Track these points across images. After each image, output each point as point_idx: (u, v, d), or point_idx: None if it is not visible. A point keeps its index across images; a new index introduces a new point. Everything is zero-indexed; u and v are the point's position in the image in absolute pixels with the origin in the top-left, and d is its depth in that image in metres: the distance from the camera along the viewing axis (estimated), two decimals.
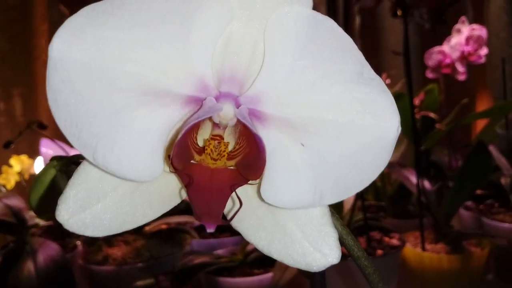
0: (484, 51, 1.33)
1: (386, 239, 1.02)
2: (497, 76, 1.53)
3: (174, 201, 0.29)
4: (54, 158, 0.35)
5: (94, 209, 0.26)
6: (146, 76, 0.25)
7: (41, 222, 1.04)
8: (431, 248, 1.03)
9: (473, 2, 1.77)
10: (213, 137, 0.27)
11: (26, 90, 1.40)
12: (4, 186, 1.21)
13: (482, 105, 1.74)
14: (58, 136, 1.05)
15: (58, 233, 1.09)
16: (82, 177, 0.27)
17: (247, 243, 0.94)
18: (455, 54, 1.33)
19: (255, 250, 0.94)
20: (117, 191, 0.27)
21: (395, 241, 1.00)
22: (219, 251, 0.99)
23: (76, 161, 0.34)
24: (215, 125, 0.27)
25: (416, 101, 1.35)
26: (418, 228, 1.03)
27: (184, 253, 0.95)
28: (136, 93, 0.25)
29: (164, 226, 1.12)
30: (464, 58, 1.33)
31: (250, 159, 0.26)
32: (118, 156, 0.25)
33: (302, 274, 0.81)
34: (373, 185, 1.36)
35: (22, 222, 0.94)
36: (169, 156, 0.26)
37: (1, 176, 1.22)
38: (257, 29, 0.26)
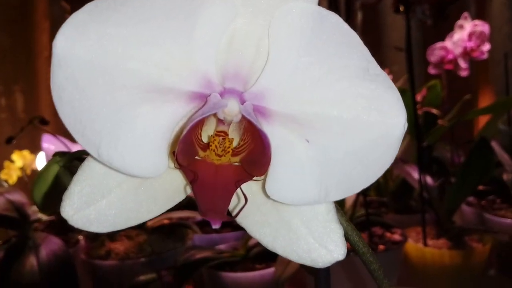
0: (486, 47, 1.32)
1: (388, 234, 1.02)
2: (500, 72, 1.53)
3: (179, 197, 0.29)
4: (56, 154, 0.35)
5: (98, 205, 0.26)
6: (149, 73, 0.25)
7: (44, 217, 1.04)
8: (433, 243, 1.03)
9: None
10: (218, 133, 0.27)
11: (28, 86, 1.40)
12: (6, 181, 1.21)
13: (485, 101, 1.74)
14: (59, 131, 1.05)
15: (61, 228, 1.09)
16: (86, 173, 0.27)
17: (249, 238, 0.95)
18: (458, 50, 1.32)
19: (257, 245, 0.94)
20: (121, 187, 0.27)
21: (397, 237, 1.00)
22: (221, 246, 0.99)
23: (79, 156, 0.34)
24: (220, 121, 0.27)
25: (418, 97, 1.35)
26: (420, 223, 1.03)
27: (186, 248, 0.95)
28: (139, 90, 0.25)
29: (166, 221, 1.12)
30: (466, 54, 1.32)
31: (255, 156, 0.26)
32: (122, 152, 0.25)
33: (305, 270, 0.81)
34: (375, 181, 1.35)
35: (25, 217, 0.95)
36: (173, 152, 0.26)
37: (3, 172, 1.22)
38: (261, 25, 0.26)
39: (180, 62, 0.25)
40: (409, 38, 1.00)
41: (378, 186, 1.37)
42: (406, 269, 1.03)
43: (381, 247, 0.95)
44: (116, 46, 0.24)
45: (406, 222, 1.12)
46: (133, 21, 0.24)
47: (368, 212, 1.00)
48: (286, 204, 0.28)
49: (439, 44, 1.36)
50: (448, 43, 1.35)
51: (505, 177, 1.24)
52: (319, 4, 0.25)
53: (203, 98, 0.26)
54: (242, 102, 0.26)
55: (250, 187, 0.28)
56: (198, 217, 1.14)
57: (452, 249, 1.00)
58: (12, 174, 1.20)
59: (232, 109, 0.26)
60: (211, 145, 0.27)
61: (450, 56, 1.33)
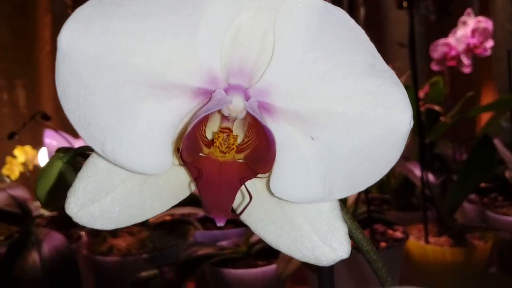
0: (489, 43, 1.32)
1: (390, 231, 1.02)
2: (503, 69, 1.52)
3: (183, 194, 0.29)
4: (59, 150, 0.34)
5: (103, 201, 0.26)
6: (153, 69, 0.24)
7: (46, 212, 1.04)
8: (435, 241, 1.03)
9: None
10: (222, 130, 0.27)
11: (29, 81, 1.40)
12: (8, 176, 1.21)
13: (487, 98, 1.73)
14: (61, 127, 1.05)
15: (63, 223, 1.09)
16: (91, 169, 0.26)
17: (251, 234, 0.94)
18: (461, 47, 1.32)
19: (259, 241, 0.94)
20: (126, 183, 0.27)
21: (398, 234, 1.00)
22: (223, 243, 0.99)
23: (82, 152, 0.34)
24: (224, 117, 0.26)
25: (421, 94, 1.34)
26: (421, 221, 1.03)
27: (188, 245, 0.95)
28: (143, 85, 0.25)
29: (168, 218, 1.12)
30: (469, 50, 1.32)
31: (259, 152, 0.26)
32: (126, 149, 0.25)
33: (308, 268, 0.81)
34: None
35: (27, 213, 0.95)
36: (178, 149, 0.26)
37: (5, 167, 1.22)
38: (266, 20, 0.25)
39: (184, 58, 0.25)
40: (413, 34, 0.99)
41: (380, 183, 1.37)
42: (407, 267, 1.03)
43: (383, 244, 0.95)
44: (120, 41, 0.24)
45: (408, 220, 1.12)
46: (138, 16, 0.24)
47: (370, 209, 0.99)
48: (290, 202, 0.28)
49: (442, 41, 1.35)
50: (451, 39, 1.34)
51: (507, 174, 1.24)
52: None
53: (208, 94, 0.26)
54: (247, 98, 0.26)
55: (254, 185, 0.28)
56: (200, 213, 1.14)
57: (453, 246, 1.00)
58: (14, 169, 1.20)
59: (237, 105, 0.26)
60: (215, 142, 0.26)
61: (453, 53, 1.33)
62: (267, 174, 0.27)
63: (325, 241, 0.28)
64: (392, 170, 1.31)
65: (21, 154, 1.21)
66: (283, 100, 0.26)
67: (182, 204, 1.06)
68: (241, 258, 0.94)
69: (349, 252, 0.27)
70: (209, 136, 0.27)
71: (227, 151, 0.26)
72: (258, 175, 0.26)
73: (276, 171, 0.27)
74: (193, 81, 0.25)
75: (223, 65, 0.26)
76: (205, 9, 0.24)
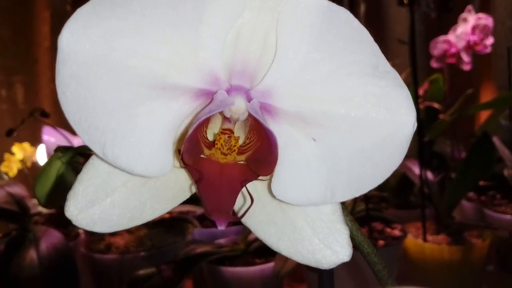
0: (490, 40, 1.31)
1: (388, 230, 1.02)
2: (502, 67, 1.52)
3: (183, 196, 0.28)
4: (58, 149, 0.34)
5: (103, 204, 0.26)
6: (154, 70, 0.24)
7: (44, 210, 1.04)
8: (433, 239, 1.03)
9: None
10: (223, 131, 0.26)
11: (28, 78, 1.39)
12: (6, 174, 1.21)
13: (487, 95, 1.73)
14: (60, 124, 1.04)
15: (61, 221, 1.09)
16: (91, 172, 0.26)
17: (249, 232, 0.94)
18: (461, 44, 1.31)
19: (257, 239, 0.94)
20: (126, 186, 0.27)
21: (396, 232, 1.00)
22: (221, 241, 0.99)
23: (82, 152, 0.33)
24: (225, 119, 0.26)
25: (420, 91, 1.34)
26: (420, 219, 1.03)
27: (186, 242, 0.95)
28: (144, 86, 0.24)
29: (166, 216, 1.12)
30: (469, 47, 1.31)
31: (261, 154, 0.26)
32: (127, 151, 0.25)
33: (307, 268, 0.81)
34: None
35: (25, 210, 0.94)
36: (179, 150, 0.25)
37: (3, 164, 1.22)
38: (269, 20, 0.25)
39: (185, 58, 0.24)
40: (413, 31, 0.99)
41: None
42: (405, 265, 1.03)
43: (381, 242, 0.95)
44: (120, 41, 0.23)
45: (406, 218, 1.12)
46: (138, 16, 0.23)
47: (368, 207, 0.99)
48: (291, 204, 0.27)
49: (442, 38, 1.35)
50: (451, 36, 1.34)
51: (505, 172, 1.24)
52: None
53: (209, 95, 0.26)
54: (249, 99, 0.26)
55: (255, 187, 0.28)
56: (198, 211, 1.14)
57: (451, 244, 1.00)
58: (12, 166, 1.20)
59: (239, 107, 0.25)
60: (216, 143, 0.26)
61: (453, 50, 1.32)
62: (268, 176, 0.27)
63: (326, 244, 0.27)
64: None
65: (19, 151, 1.21)
66: (286, 102, 0.26)
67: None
68: (239, 256, 0.94)
69: (351, 255, 0.27)
70: (210, 137, 0.27)
71: (229, 152, 0.26)
72: (260, 177, 0.26)
73: (278, 173, 0.26)
74: (194, 82, 0.25)
75: (225, 66, 0.26)
76: (207, 9, 0.24)
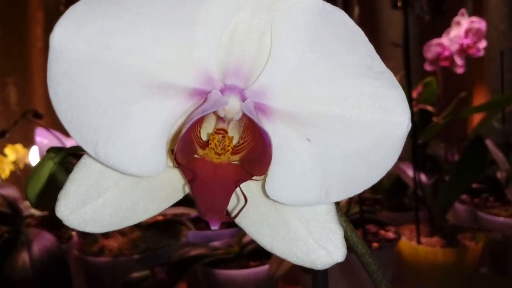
0: (483, 44, 1.32)
1: (382, 232, 1.02)
2: (495, 70, 1.53)
3: (176, 196, 0.28)
4: (51, 150, 0.34)
5: (94, 204, 0.26)
6: (148, 68, 0.24)
7: (37, 212, 1.03)
8: (426, 241, 1.03)
9: None
10: (217, 131, 0.26)
11: (21, 79, 1.38)
12: None
13: (480, 98, 1.74)
14: (53, 125, 1.04)
15: (54, 223, 1.08)
16: (82, 171, 0.26)
17: (244, 235, 0.94)
18: (454, 47, 1.32)
19: (252, 242, 0.94)
20: (118, 185, 0.26)
21: (390, 234, 1.00)
22: (215, 243, 0.99)
23: (74, 152, 0.33)
24: (220, 118, 0.26)
25: (414, 94, 1.35)
26: (413, 221, 1.04)
27: (180, 245, 0.95)
28: (138, 85, 0.24)
29: (160, 218, 1.12)
30: (463, 51, 1.32)
31: (255, 154, 0.25)
32: (119, 150, 0.24)
33: (301, 270, 0.81)
34: None
35: (17, 213, 0.94)
36: (172, 150, 0.25)
37: None
38: (264, 20, 0.25)
39: (180, 57, 0.24)
40: (407, 34, 0.99)
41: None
42: (399, 267, 1.03)
43: (375, 244, 0.95)
44: (115, 40, 0.23)
45: (400, 220, 1.12)
46: (133, 14, 0.23)
47: (362, 210, 0.99)
48: (285, 204, 0.27)
49: (435, 41, 1.35)
50: (444, 39, 1.34)
51: (499, 175, 1.24)
52: None
53: (203, 94, 0.26)
54: (243, 99, 0.26)
55: (249, 187, 0.28)
56: (192, 213, 1.13)
57: (445, 247, 1.00)
58: (4, 168, 1.19)
59: (233, 106, 0.25)
60: (210, 143, 0.26)
61: (446, 53, 1.33)
62: (262, 176, 0.27)
63: (320, 244, 0.27)
64: None
65: (12, 152, 1.20)
66: (280, 102, 0.26)
67: (174, 204, 1.05)
68: (233, 259, 0.93)
69: (345, 256, 0.27)
70: (204, 137, 0.27)
71: (222, 152, 0.26)
72: (254, 178, 0.26)
73: (272, 173, 0.26)
74: (188, 82, 0.25)
75: (219, 66, 0.26)
76: (202, 8, 0.24)
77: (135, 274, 0.83)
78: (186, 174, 0.25)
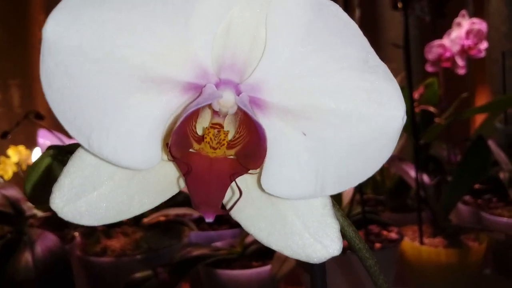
0: (484, 45, 1.32)
1: (385, 232, 1.02)
2: (497, 71, 1.53)
3: (172, 191, 0.28)
4: (50, 148, 0.34)
5: (89, 197, 0.26)
6: (143, 62, 0.24)
7: (39, 213, 1.04)
8: (429, 242, 1.02)
9: None
10: (213, 125, 0.26)
11: (24, 81, 1.39)
12: (1, 176, 1.20)
13: (482, 99, 1.74)
14: (55, 126, 1.04)
15: (56, 224, 1.08)
16: (77, 164, 0.26)
17: (246, 235, 0.94)
18: (455, 48, 1.32)
19: (254, 242, 0.94)
20: (113, 179, 0.26)
21: (393, 235, 1.00)
22: (218, 244, 0.99)
23: (72, 150, 0.33)
24: (215, 113, 0.26)
25: (416, 95, 1.35)
26: (416, 222, 1.03)
27: (182, 245, 0.95)
28: (133, 79, 0.24)
29: (162, 218, 1.12)
30: (464, 52, 1.32)
31: (250, 148, 0.26)
32: (114, 143, 0.24)
33: (302, 268, 0.81)
34: (372, 178, 1.36)
35: (20, 213, 0.94)
36: (167, 144, 0.25)
37: None
38: (258, 13, 0.25)
39: (175, 51, 0.24)
40: (407, 35, 0.99)
41: (375, 184, 1.37)
42: (402, 268, 1.03)
43: (378, 245, 0.95)
44: (109, 33, 0.23)
45: (403, 221, 1.12)
46: (128, 7, 0.23)
47: (364, 210, 0.99)
48: (281, 198, 0.27)
49: (436, 42, 1.35)
50: (445, 40, 1.34)
51: (501, 176, 1.24)
52: None
53: (198, 89, 0.26)
54: (238, 93, 0.26)
55: (245, 180, 0.28)
56: (194, 214, 1.13)
57: (448, 247, 1.00)
58: (7, 169, 1.20)
59: (227, 100, 0.25)
60: (205, 138, 0.26)
61: (447, 54, 1.33)
62: (258, 170, 0.27)
63: (316, 238, 0.27)
64: (387, 171, 1.32)
65: (15, 154, 1.21)
66: (275, 96, 0.26)
67: (176, 204, 1.05)
68: (235, 259, 0.93)
69: (341, 249, 0.27)
70: (200, 132, 0.27)
71: (218, 147, 0.26)
72: (249, 171, 0.26)
73: (267, 167, 0.26)
74: (183, 76, 0.25)
75: (214, 60, 0.26)
76: (198, 2, 0.24)
77: (138, 274, 0.83)
78: (181, 167, 0.25)
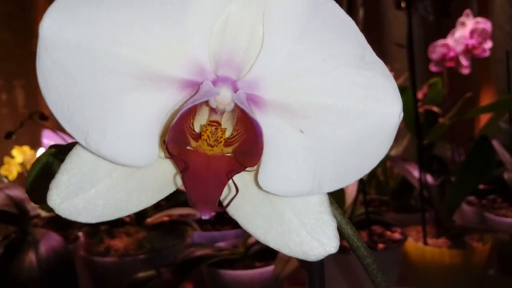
0: (488, 44, 1.32)
1: (388, 233, 1.02)
2: (501, 70, 1.52)
3: (170, 188, 0.28)
4: (52, 146, 0.34)
5: (87, 194, 0.26)
6: (140, 60, 0.24)
7: (43, 213, 1.04)
8: (433, 242, 1.02)
9: None
10: (210, 123, 0.26)
11: (28, 82, 1.40)
12: (6, 177, 1.21)
13: (486, 99, 1.73)
14: (59, 127, 1.05)
15: (60, 224, 1.09)
16: (75, 161, 0.26)
17: (249, 236, 0.94)
18: (459, 48, 1.32)
19: (257, 243, 0.94)
20: (111, 176, 0.26)
21: (397, 236, 1.00)
22: (221, 244, 0.99)
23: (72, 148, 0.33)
24: (212, 110, 0.26)
25: (419, 95, 1.34)
26: (420, 222, 1.03)
27: (185, 245, 0.95)
28: (130, 76, 0.24)
29: (166, 218, 1.12)
30: (468, 51, 1.32)
31: (247, 146, 0.26)
32: (111, 141, 0.24)
33: (302, 267, 0.81)
34: (376, 179, 1.36)
35: (24, 213, 0.95)
36: (165, 141, 0.25)
37: (3, 167, 1.23)
38: (255, 11, 0.25)
39: (172, 49, 0.25)
40: (411, 35, 0.99)
41: (378, 185, 1.37)
42: (406, 268, 1.02)
43: (381, 245, 0.95)
44: (107, 30, 0.23)
45: (406, 221, 1.12)
46: (125, 5, 0.23)
47: (368, 211, 0.99)
48: (278, 196, 0.27)
49: (440, 41, 1.35)
50: (449, 40, 1.34)
51: (506, 176, 1.23)
52: None
53: (196, 86, 0.26)
54: (235, 90, 0.26)
55: (242, 178, 0.28)
56: (198, 214, 1.14)
57: (452, 248, 0.99)
58: (12, 169, 1.21)
59: (224, 97, 0.25)
60: (203, 135, 0.26)
61: (451, 54, 1.32)
62: (255, 167, 0.27)
63: (313, 235, 0.27)
64: (391, 172, 1.31)
65: (19, 154, 1.22)
66: (272, 93, 0.26)
67: (180, 205, 1.05)
68: (238, 259, 0.93)
69: (338, 247, 0.27)
70: (197, 129, 0.27)
71: (215, 144, 0.26)
72: (247, 169, 0.26)
73: (264, 165, 0.26)
74: (180, 73, 0.25)
75: (211, 57, 0.26)
76: (193, 0, 0.24)
77: (141, 274, 0.83)
78: (178, 164, 0.25)
